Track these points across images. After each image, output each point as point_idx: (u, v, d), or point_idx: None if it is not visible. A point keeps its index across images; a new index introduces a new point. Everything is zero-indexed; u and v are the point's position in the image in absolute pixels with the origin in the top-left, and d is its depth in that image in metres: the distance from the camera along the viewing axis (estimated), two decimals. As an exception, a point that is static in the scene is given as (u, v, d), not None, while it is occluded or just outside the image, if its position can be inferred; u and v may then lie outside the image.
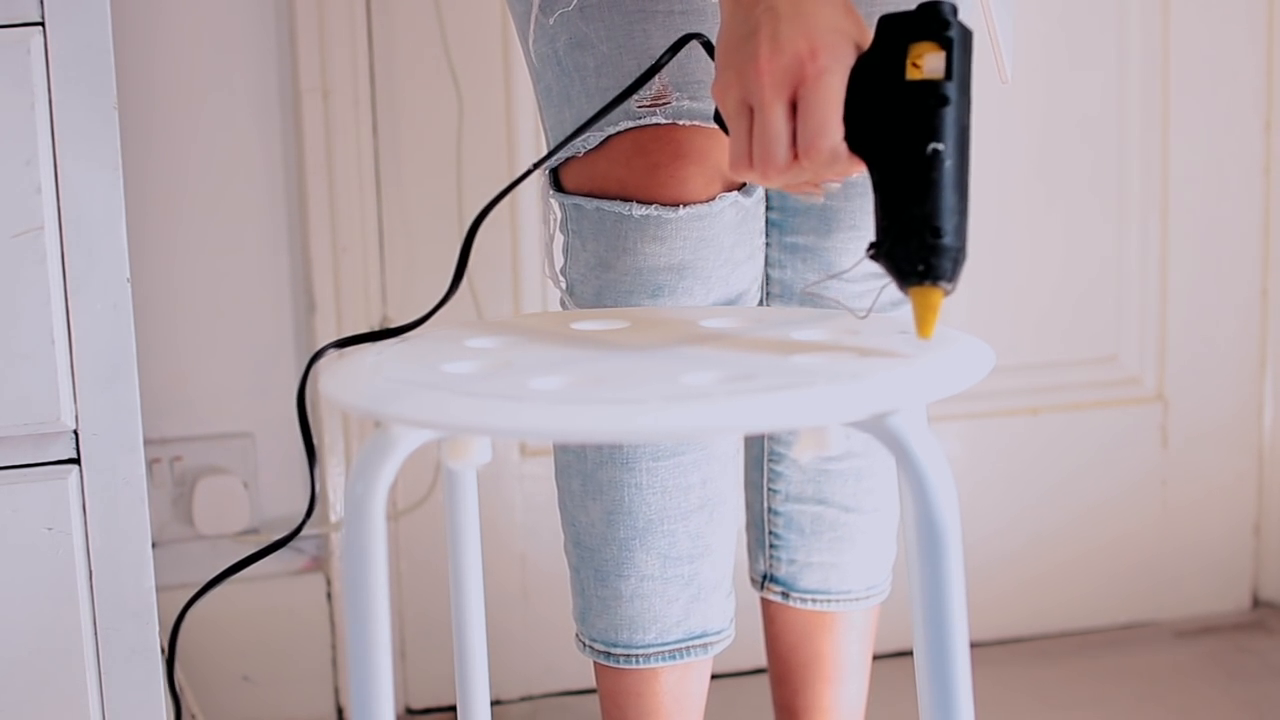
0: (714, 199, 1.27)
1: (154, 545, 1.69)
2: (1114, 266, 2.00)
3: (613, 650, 1.38)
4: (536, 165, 1.26)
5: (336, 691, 1.88)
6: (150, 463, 1.80)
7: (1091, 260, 1.99)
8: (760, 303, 1.42)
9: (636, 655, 1.38)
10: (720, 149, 1.26)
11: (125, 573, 1.29)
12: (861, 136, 1.06)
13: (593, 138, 1.27)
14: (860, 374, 1.00)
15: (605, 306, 1.30)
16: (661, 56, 1.20)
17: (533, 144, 1.83)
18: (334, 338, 1.82)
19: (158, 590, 1.40)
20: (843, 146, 1.05)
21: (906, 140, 1.04)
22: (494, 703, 1.88)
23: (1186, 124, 1.98)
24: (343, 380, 1.05)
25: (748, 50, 1.07)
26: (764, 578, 1.51)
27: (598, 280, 1.30)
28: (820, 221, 1.39)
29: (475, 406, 0.97)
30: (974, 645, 1.91)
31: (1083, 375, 2.02)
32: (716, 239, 1.28)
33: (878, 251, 1.06)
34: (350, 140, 1.79)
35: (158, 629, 1.31)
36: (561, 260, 1.35)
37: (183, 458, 1.82)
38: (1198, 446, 2.05)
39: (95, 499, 1.27)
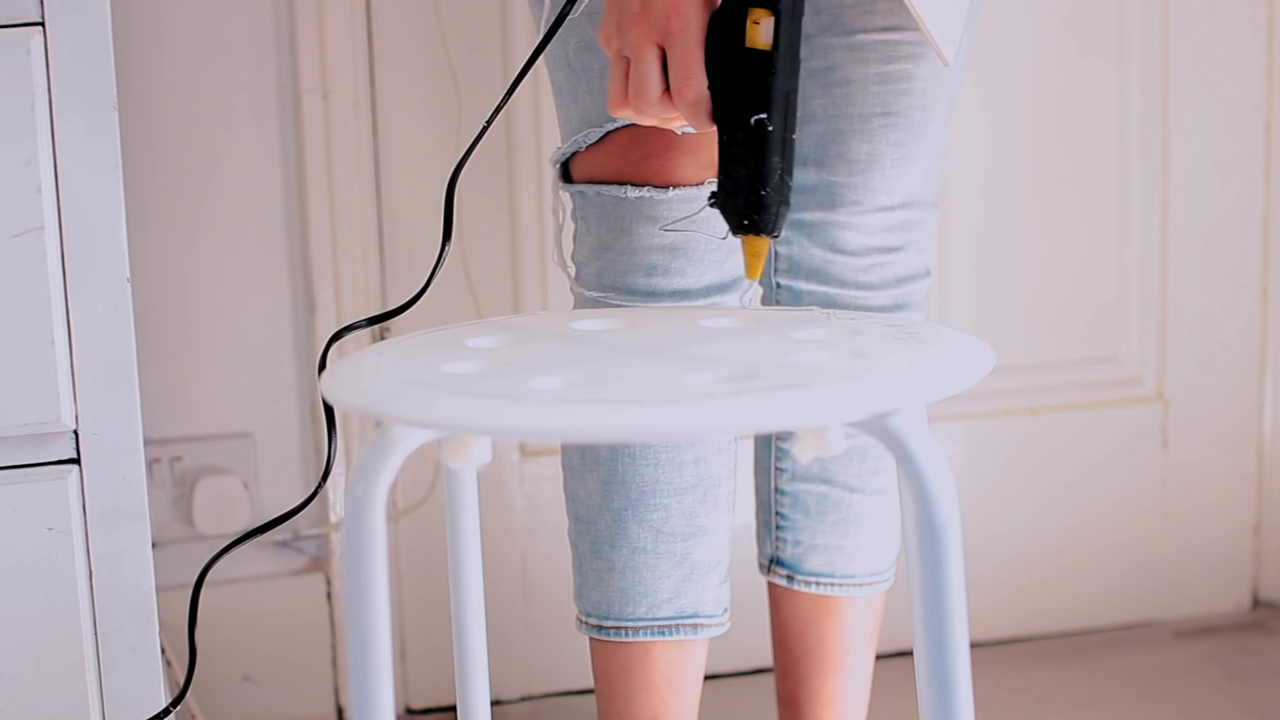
0: (703, 183, 1.35)
1: (154, 545, 1.69)
2: (1114, 266, 2.00)
3: (605, 623, 1.43)
4: (491, 118, 1.34)
5: (336, 691, 1.89)
6: (150, 463, 1.80)
7: (1091, 260, 1.99)
8: (765, 278, 1.48)
9: (627, 628, 1.42)
10: (710, 143, 1.34)
11: (125, 573, 1.29)
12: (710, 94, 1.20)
13: (593, 133, 1.36)
14: (860, 374, 1.00)
15: (605, 286, 1.37)
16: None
17: (532, 143, 1.83)
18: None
19: (158, 590, 1.40)
20: (707, 92, 1.18)
21: (738, 108, 1.18)
22: (494, 703, 1.88)
23: (1186, 124, 1.98)
24: (343, 380, 1.05)
25: (624, 5, 1.20)
26: (770, 561, 1.54)
27: (599, 261, 1.38)
28: (825, 197, 1.43)
29: (475, 406, 0.97)
30: (974, 645, 1.91)
31: (1083, 375, 2.02)
32: (708, 223, 1.35)
33: (716, 201, 1.21)
34: (350, 140, 1.79)
35: (158, 629, 1.31)
36: (572, 246, 1.42)
37: (183, 458, 1.82)
38: (1198, 447, 2.05)
39: (95, 499, 1.27)
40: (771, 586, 1.54)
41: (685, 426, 0.95)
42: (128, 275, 1.26)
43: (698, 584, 1.43)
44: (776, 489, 1.52)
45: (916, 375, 1.01)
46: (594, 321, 1.19)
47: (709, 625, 1.44)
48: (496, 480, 1.88)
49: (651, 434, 0.95)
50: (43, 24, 1.22)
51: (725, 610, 1.45)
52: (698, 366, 1.03)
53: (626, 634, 1.42)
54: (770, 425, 0.96)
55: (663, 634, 1.42)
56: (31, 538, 1.26)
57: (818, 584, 1.51)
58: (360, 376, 1.04)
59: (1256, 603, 2.10)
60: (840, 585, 1.51)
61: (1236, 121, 2.00)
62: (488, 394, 0.99)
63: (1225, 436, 2.06)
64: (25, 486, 1.26)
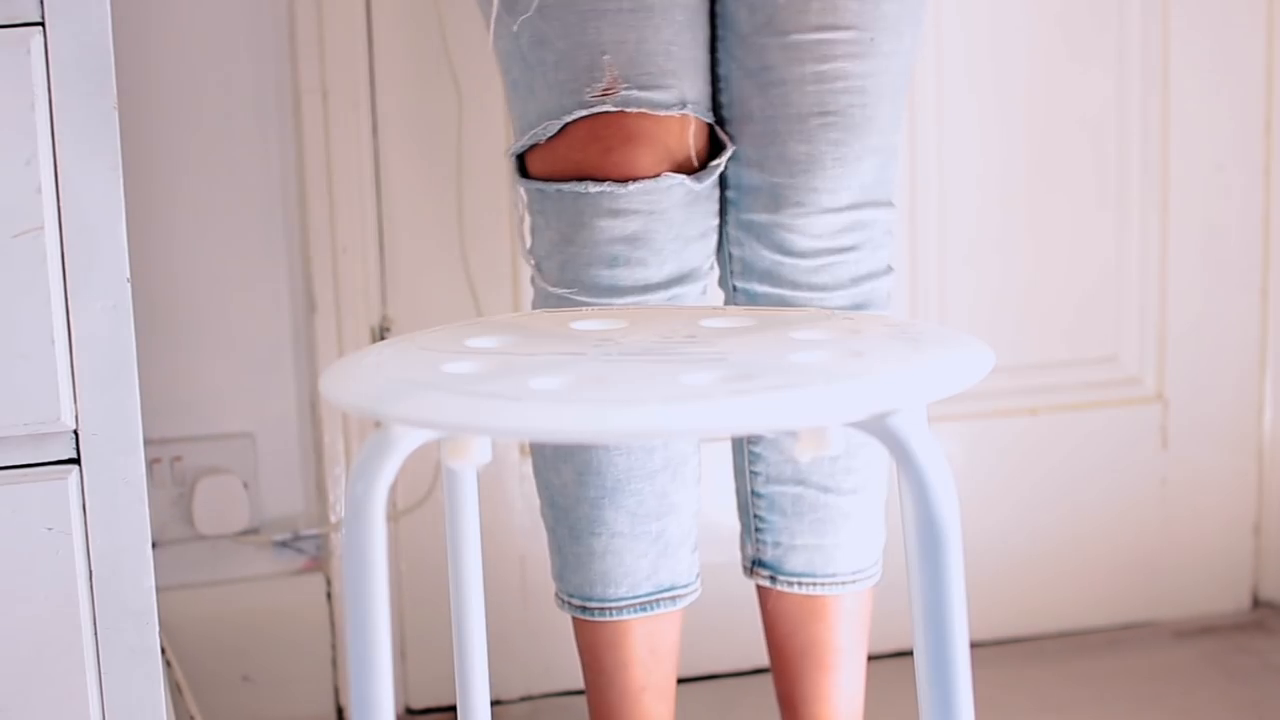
0: (660, 175, 1.38)
1: (154, 545, 1.69)
2: (1114, 266, 2.00)
3: (588, 604, 1.48)
4: None
5: (336, 691, 1.89)
6: (150, 463, 1.80)
7: (1091, 260, 1.99)
8: (724, 280, 1.49)
9: (610, 608, 1.47)
10: (664, 132, 1.39)
11: (125, 573, 1.28)
12: None
13: (551, 126, 1.39)
14: (860, 374, 1.00)
15: (568, 279, 1.40)
16: None
17: (533, 144, 1.83)
18: (334, 338, 1.82)
19: (158, 590, 1.40)
20: None
21: None
22: (494, 703, 1.88)
23: (1186, 124, 1.98)
24: (343, 380, 1.05)
25: None
26: (753, 563, 1.54)
27: (561, 255, 1.40)
28: (770, 199, 1.43)
29: (475, 406, 0.97)
30: (974, 645, 1.91)
31: (1083, 375, 2.02)
32: (666, 214, 1.39)
33: None
34: (350, 140, 1.79)
35: (158, 629, 1.31)
36: (530, 240, 1.45)
37: (183, 458, 1.82)
38: (1198, 446, 2.05)
39: (95, 499, 1.27)
40: (759, 589, 1.55)
41: (685, 426, 0.95)
42: (128, 275, 1.26)
43: (672, 558, 1.47)
44: (753, 492, 1.53)
45: (916, 375, 1.01)
46: (594, 321, 1.19)
47: (685, 595, 1.49)
48: (496, 480, 1.88)
49: (651, 434, 0.95)
50: (43, 24, 1.21)
51: (697, 576, 1.51)
52: (698, 366, 1.03)
53: (610, 614, 1.47)
54: (770, 425, 0.96)
55: (644, 610, 1.47)
56: (31, 538, 1.26)
57: (800, 584, 1.52)
58: (360, 376, 1.04)
59: (1256, 603, 2.10)
60: (823, 584, 1.51)
61: (1236, 121, 2.00)
62: (488, 394, 0.99)
63: (1225, 436, 2.05)
64: (25, 486, 1.26)
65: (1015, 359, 1.99)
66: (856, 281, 1.45)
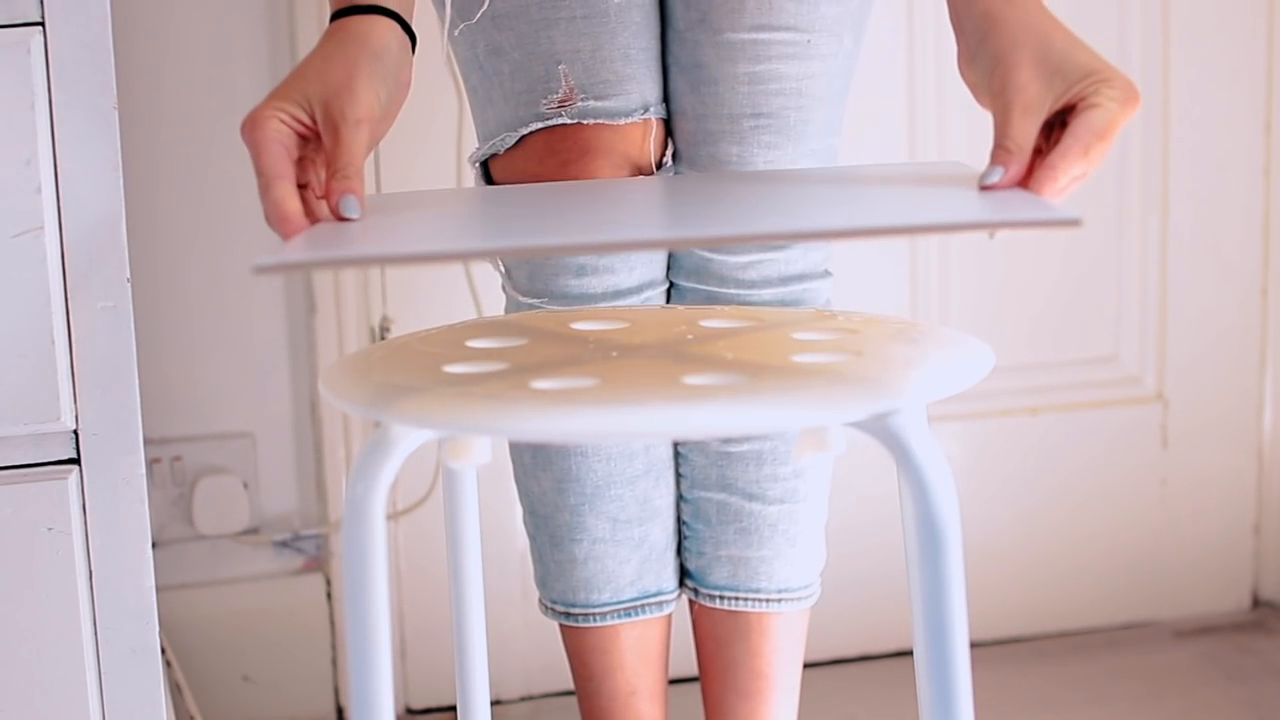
0: None
1: (154, 545, 1.69)
2: (1114, 266, 2.00)
3: (572, 610, 1.46)
4: None
5: (336, 691, 1.89)
6: (150, 463, 1.80)
7: (1092, 260, 1.99)
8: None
9: (594, 614, 1.45)
10: (624, 141, 1.36)
11: (125, 573, 1.28)
12: None
13: (509, 138, 1.37)
14: (860, 374, 1.00)
15: (538, 289, 1.38)
16: None
17: (533, 144, 1.83)
18: (334, 338, 1.82)
19: (158, 590, 1.40)
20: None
21: None
22: (494, 703, 1.88)
23: (1186, 124, 1.98)
24: (343, 380, 1.05)
25: None
26: (681, 575, 1.50)
27: (528, 264, 1.39)
28: None
29: (475, 406, 0.97)
30: (974, 645, 1.91)
31: (1083, 375, 2.02)
32: None
33: None
34: (350, 140, 1.79)
35: (158, 629, 1.31)
36: None
37: (183, 458, 1.82)
38: (1197, 446, 2.05)
39: (95, 499, 1.27)
40: (689, 603, 1.51)
41: (685, 426, 0.95)
42: (128, 275, 1.26)
43: (657, 563, 1.45)
44: (680, 497, 1.48)
45: (916, 375, 1.01)
46: (594, 322, 1.19)
47: (671, 600, 1.47)
48: (496, 480, 1.88)
49: (653, 434, 0.95)
50: (43, 24, 1.21)
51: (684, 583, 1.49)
52: (698, 366, 1.03)
53: (594, 619, 1.45)
54: (770, 425, 0.96)
55: (629, 615, 1.45)
56: (31, 538, 1.26)
57: (723, 598, 1.47)
58: (360, 376, 1.04)
59: (1256, 603, 2.10)
60: (746, 600, 1.46)
61: (1236, 121, 2.00)
62: (488, 394, 0.99)
63: (1225, 436, 2.06)
64: (25, 486, 1.26)
65: (1015, 359, 1.99)
66: (786, 281, 1.41)
